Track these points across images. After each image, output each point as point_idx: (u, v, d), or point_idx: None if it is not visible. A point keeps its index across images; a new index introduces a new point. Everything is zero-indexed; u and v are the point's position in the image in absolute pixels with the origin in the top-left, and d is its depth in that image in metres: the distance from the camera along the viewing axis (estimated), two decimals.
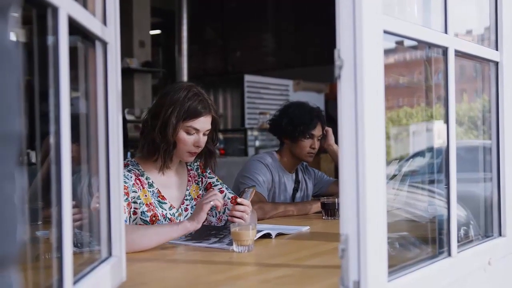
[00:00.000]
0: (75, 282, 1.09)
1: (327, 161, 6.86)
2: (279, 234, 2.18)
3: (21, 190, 0.60)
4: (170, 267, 1.74)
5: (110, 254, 1.37)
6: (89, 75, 1.36)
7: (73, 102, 1.12)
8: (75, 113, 1.19)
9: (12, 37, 0.59)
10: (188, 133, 2.19)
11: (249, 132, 7.45)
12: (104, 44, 1.35)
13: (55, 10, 0.99)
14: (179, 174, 2.35)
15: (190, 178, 2.38)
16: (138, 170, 2.22)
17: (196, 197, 2.36)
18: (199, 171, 2.42)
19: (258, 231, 2.03)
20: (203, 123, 2.20)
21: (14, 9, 0.60)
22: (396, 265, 1.33)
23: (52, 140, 1.01)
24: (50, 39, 1.02)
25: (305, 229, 2.34)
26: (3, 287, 0.58)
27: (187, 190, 2.35)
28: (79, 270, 1.19)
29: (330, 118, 5.89)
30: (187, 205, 2.33)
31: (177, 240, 2.02)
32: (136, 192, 2.14)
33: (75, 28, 1.11)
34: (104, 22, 1.35)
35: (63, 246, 1.01)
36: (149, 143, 2.20)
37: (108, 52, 1.36)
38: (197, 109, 2.18)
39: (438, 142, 1.95)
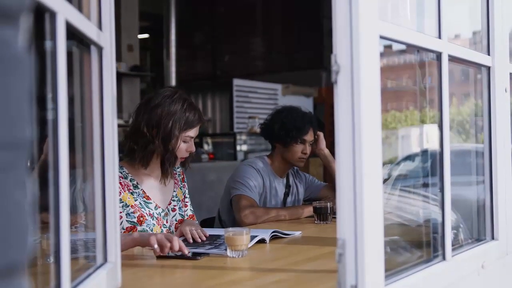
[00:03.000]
0: None
1: (315, 165, 6.88)
2: (273, 237, 2.18)
3: (31, 197, 0.60)
4: (165, 273, 1.73)
5: (105, 260, 1.37)
6: (84, 80, 1.35)
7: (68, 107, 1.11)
8: (69, 118, 1.18)
9: (23, 43, 0.59)
10: (184, 141, 2.29)
11: (238, 136, 7.43)
12: (100, 49, 1.34)
13: (53, 15, 0.99)
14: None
15: (176, 181, 2.46)
16: (122, 173, 2.26)
17: (181, 200, 2.45)
18: (180, 178, 2.51)
19: (252, 237, 2.03)
20: (197, 130, 2.33)
21: (25, 15, 0.60)
22: (392, 269, 1.33)
23: (49, 145, 1.01)
24: (47, 44, 1.02)
25: (298, 233, 2.35)
26: None
27: (174, 191, 2.42)
28: (75, 276, 1.18)
29: (319, 122, 5.90)
30: (174, 205, 2.40)
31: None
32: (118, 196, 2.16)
33: (71, 32, 1.11)
34: (100, 27, 1.34)
35: (61, 252, 1.00)
36: (149, 154, 2.25)
37: (104, 57, 1.35)
38: (195, 120, 2.30)
39: (428, 146, 1.96)
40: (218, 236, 2.19)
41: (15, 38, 0.57)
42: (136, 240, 1.92)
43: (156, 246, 1.81)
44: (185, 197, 2.50)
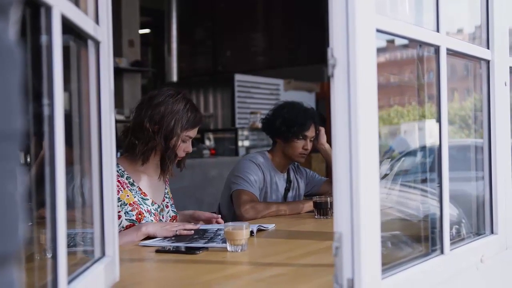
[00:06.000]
0: (69, 282, 1.08)
1: (317, 160, 6.88)
2: (259, 230, 2.25)
3: (22, 188, 0.61)
4: (164, 267, 1.74)
5: (103, 254, 1.37)
6: (81, 75, 1.35)
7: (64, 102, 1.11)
8: (66, 114, 1.18)
9: (13, 36, 0.59)
10: (183, 141, 2.32)
11: (239, 132, 7.42)
12: (97, 43, 1.34)
13: (48, 9, 0.99)
14: (157, 174, 2.42)
15: (167, 180, 2.50)
16: (118, 171, 2.27)
17: (171, 197, 2.50)
18: (168, 177, 2.53)
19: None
20: (196, 131, 2.37)
21: (15, 8, 0.60)
22: (390, 263, 1.33)
23: (45, 140, 1.01)
24: (43, 38, 1.02)
25: (271, 226, 2.38)
26: (5, 285, 0.58)
27: (166, 189, 2.47)
28: (73, 270, 1.19)
29: (320, 117, 5.89)
30: (167, 202, 2.45)
31: (168, 243, 2.01)
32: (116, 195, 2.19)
33: (67, 27, 1.11)
34: (97, 21, 1.34)
35: (58, 246, 1.00)
36: (150, 150, 2.28)
37: (101, 51, 1.35)
38: (196, 120, 2.33)
39: (430, 141, 1.96)
40: (205, 230, 2.20)
41: (4, 31, 0.57)
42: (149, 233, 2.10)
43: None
44: (171, 196, 2.54)
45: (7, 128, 0.57)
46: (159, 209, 2.36)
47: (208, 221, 2.43)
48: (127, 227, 2.20)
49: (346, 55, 1.16)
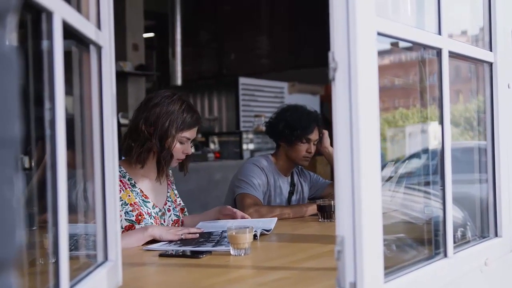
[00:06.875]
0: (71, 287, 1.09)
1: (322, 163, 6.86)
2: (262, 234, 2.24)
3: (19, 194, 0.61)
4: (167, 272, 1.73)
5: (106, 258, 1.37)
6: (83, 80, 1.36)
7: (67, 107, 1.11)
8: (69, 118, 1.18)
9: (10, 42, 0.59)
10: (181, 142, 2.32)
11: (244, 135, 7.42)
12: (99, 48, 1.35)
13: (49, 14, 0.99)
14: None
15: (169, 183, 2.50)
16: (120, 172, 2.28)
17: (174, 200, 2.49)
18: (172, 179, 2.55)
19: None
20: (195, 132, 2.36)
21: (12, 14, 0.60)
22: (392, 266, 1.33)
23: (47, 145, 1.01)
24: (44, 43, 1.02)
25: (274, 221, 2.41)
26: None
27: (168, 192, 2.47)
28: (75, 275, 1.19)
29: (325, 120, 5.88)
30: (169, 206, 2.44)
31: (174, 247, 2.01)
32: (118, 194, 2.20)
33: (69, 32, 1.11)
34: (99, 26, 1.35)
35: (59, 251, 1.01)
36: (146, 151, 2.28)
37: (103, 56, 1.36)
38: (192, 121, 2.32)
39: (434, 143, 1.96)
40: (211, 233, 2.20)
41: (2, 37, 0.57)
42: (154, 235, 2.09)
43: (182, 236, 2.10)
44: (177, 196, 2.54)
45: (5, 134, 0.57)
46: (160, 213, 2.36)
47: (232, 217, 2.45)
48: (126, 228, 2.21)
49: (347, 58, 1.16)
